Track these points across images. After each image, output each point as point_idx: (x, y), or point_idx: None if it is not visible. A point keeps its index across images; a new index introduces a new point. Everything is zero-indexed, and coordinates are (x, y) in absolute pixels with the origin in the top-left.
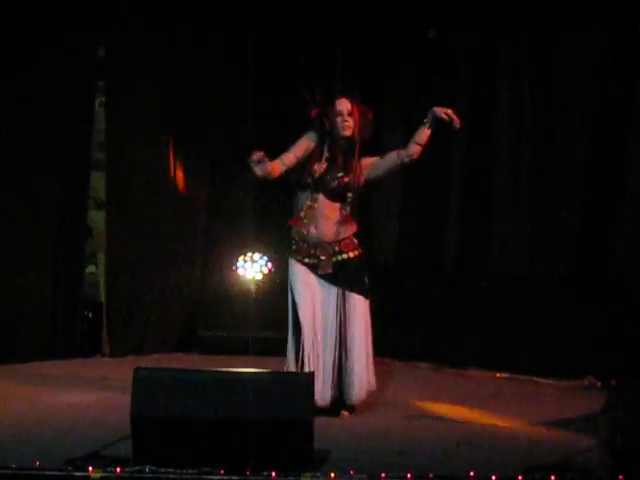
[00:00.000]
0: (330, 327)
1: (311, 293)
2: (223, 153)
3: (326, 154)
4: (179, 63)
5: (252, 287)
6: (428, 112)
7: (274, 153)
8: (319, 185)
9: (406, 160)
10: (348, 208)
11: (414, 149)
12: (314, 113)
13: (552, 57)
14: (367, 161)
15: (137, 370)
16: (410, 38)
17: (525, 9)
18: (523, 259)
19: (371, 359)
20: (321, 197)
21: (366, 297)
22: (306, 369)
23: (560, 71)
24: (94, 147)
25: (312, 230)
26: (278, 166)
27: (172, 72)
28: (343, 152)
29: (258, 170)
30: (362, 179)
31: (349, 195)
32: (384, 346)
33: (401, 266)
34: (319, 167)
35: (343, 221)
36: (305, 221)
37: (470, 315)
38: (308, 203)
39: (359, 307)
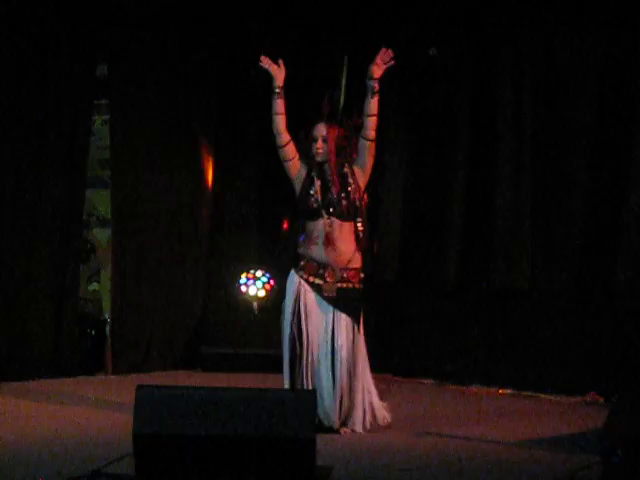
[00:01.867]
0: (337, 351)
1: (317, 315)
2: (227, 168)
3: (315, 178)
4: (182, 78)
5: (255, 304)
6: (366, 82)
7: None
8: (328, 209)
9: (371, 135)
10: (360, 229)
11: (371, 122)
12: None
13: (553, 69)
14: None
15: (139, 388)
16: (411, 51)
17: (524, 19)
18: (525, 275)
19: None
20: (335, 220)
21: (359, 327)
22: (306, 384)
23: (561, 84)
24: (96, 165)
25: (325, 251)
26: (283, 125)
27: (177, 88)
28: (328, 179)
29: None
30: (363, 192)
31: (357, 218)
32: (386, 363)
33: (403, 282)
34: (315, 194)
35: (356, 249)
36: (319, 242)
37: (473, 331)
38: (319, 227)
39: (359, 337)
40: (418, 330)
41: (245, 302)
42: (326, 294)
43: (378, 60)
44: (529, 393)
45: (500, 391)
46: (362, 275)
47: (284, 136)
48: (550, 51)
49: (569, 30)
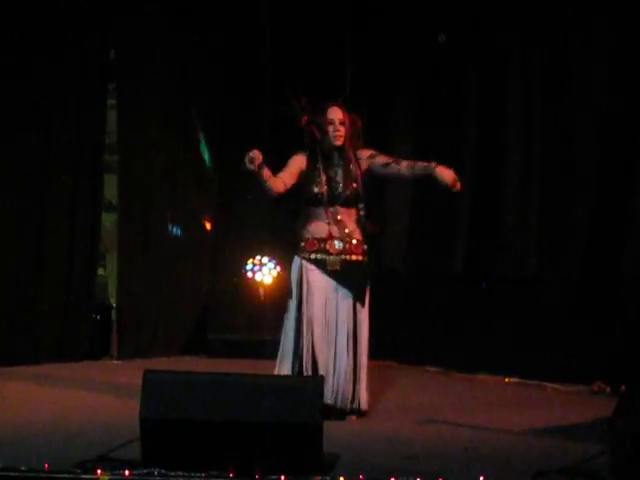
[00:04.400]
0: (341, 328)
1: (322, 295)
2: (232, 155)
3: (321, 169)
4: (191, 65)
5: (261, 290)
6: (432, 167)
7: (283, 161)
8: (334, 200)
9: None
10: (361, 214)
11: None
12: (304, 120)
13: (563, 56)
14: (366, 154)
15: (146, 372)
16: (420, 45)
17: (535, 19)
18: (532, 263)
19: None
20: (339, 209)
21: (366, 306)
22: (313, 367)
23: (571, 71)
24: (103, 150)
25: (327, 227)
26: (280, 184)
27: (184, 74)
28: (340, 164)
29: (251, 166)
30: (362, 179)
31: (360, 203)
32: (393, 350)
33: (410, 271)
34: (322, 186)
35: (358, 228)
36: (321, 221)
37: (479, 319)
38: (329, 215)
39: (364, 314)
40: (423, 316)
41: (251, 288)
42: (330, 267)
43: (448, 175)
44: (535, 382)
45: (506, 379)
46: (365, 247)
47: (285, 189)
48: (561, 38)
49: (579, 16)
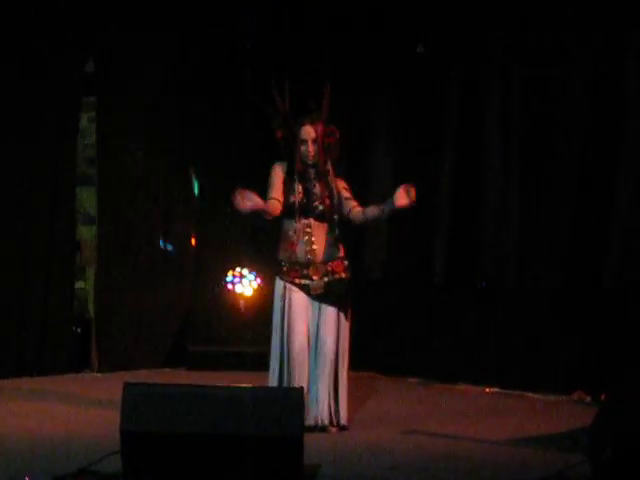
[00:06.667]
0: (321, 345)
1: (303, 314)
2: (214, 167)
3: (298, 182)
4: (171, 77)
5: (241, 302)
6: (388, 200)
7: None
8: (308, 212)
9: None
10: (336, 230)
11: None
12: (279, 135)
13: (542, 66)
14: (340, 185)
15: (127, 385)
16: (397, 57)
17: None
18: (512, 272)
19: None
20: (312, 221)
21: (347, 320)
22: (294, 382)
23: (550, 79)
24: (83, 163)
25: (304, 252)
26: (276, 205)
27: (164, 87)
28: (315, 177)
29: (248, 204)
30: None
31: (335, 217)
32: (372, 361)
33: (389, 279)
34: (298, 196)
35: (334, 242)
36: (299, 244)
37: (459, 329)
38: (298, 227)
39: (345, 329)
40: (404, 327)
41: (231, 300)
42: (314, 292)
43: (402, 195)
44: (516, 392)
45: (487, 389)
46: (347, 263)
47: (282, 206)
48: (540, 48)
49: (561, 27)
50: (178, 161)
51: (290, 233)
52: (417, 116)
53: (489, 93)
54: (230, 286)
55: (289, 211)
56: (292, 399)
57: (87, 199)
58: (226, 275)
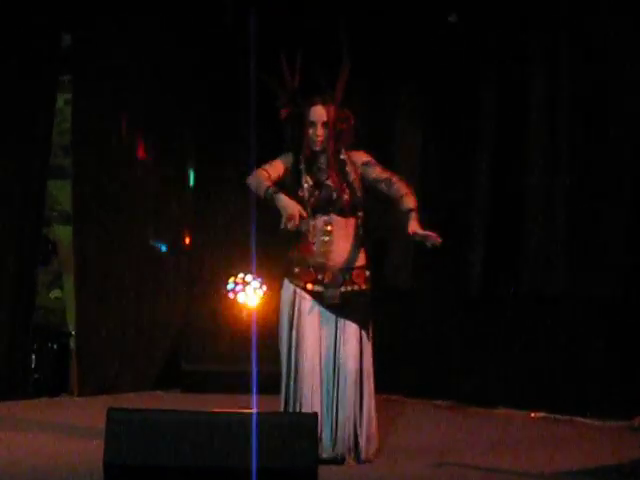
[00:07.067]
0: (341, 366)
1: (316, 328)
2: (209, 155)
3: (305, 173)
4: (158, 54)
5: (244, 314)
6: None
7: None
8: (326, 207)
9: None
10: (361, 230)
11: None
12: (283, 115)
13: (596, 43)
14: (360, 159)
15: (110, 411)
16: (426, 33)
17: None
18: (561, 278)
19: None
20: (334, 218)
21: (370, 338)
22: (304, 407)
23: (606, 65)
24: (58, 152)
25: (321, 253)
26: (261, 173)
27: (150, 65)
28: (328, 166)
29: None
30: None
31: (359, 213)
32: (397, 382)
33: (418, 290)
34: (307, 188)
35: (357, 246)
36: (315, 244)
37: (498, 345)
38: (317, 225)
39: (368, 347)
40: (434, 343)
41: (233, 311)
42: (328, 302)
43: (427, 237)
44: (565, 417)
45: (532, 414)
46: (368, 273)
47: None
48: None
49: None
50: (168, 149)
51: (308, 232)
52: (448, 106)
53: (533, 76)
54: (231, 295)
55: (310, 207)
56: (304, 426)
57: (64, 194)
58: (227, 282)
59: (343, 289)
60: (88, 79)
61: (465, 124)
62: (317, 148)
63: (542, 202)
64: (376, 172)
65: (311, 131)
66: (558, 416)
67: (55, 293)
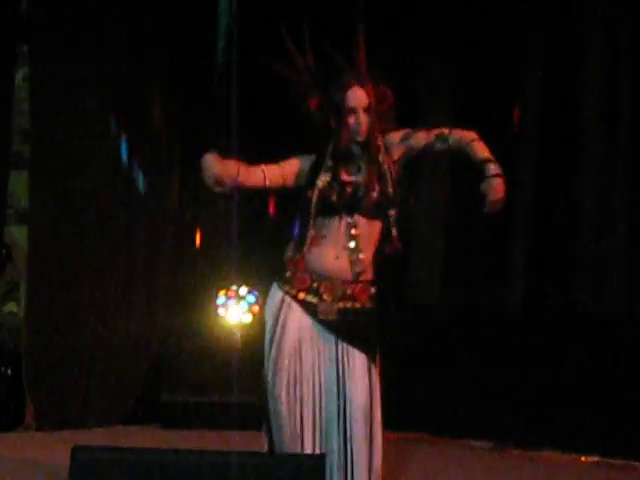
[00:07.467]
0: (349, 400)
1: (297, 345)
2: (196, 143)
3: (333, 166)
4: (132, 23)
5: (237, 334)
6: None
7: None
8: (355, 204)
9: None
10: (394, 229)
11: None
12: (313, 105)
13: None
14: (396, 137)
15: (75, 450)
16: None
17: None
18: (618, 296)
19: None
20: (359, 220)
21: (375, 364)
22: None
23: None
24: (15, 137)
25: (329, 257)
26: (254, 173)
27: (123, 34)
28: (363, 159)
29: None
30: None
31: (391, 213)
32: (420, 418)
33: (444, 306)
34: (321, 185)
35: (374, 255)
36: (325, 245)
37: (543, 375)
38: (344, 229)
39: (375, 376)
40: (465, 371)
41: (223, 331)
42: (322, 317)
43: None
44: (623, 461)
45: (582, 458)
46: (373, 290)
47: (254, 182)
48: None
49: None
50: (146, 132)
51: (322, 232)
52: (487, 93)
53: (588, 55)
54: (221, 311)
55: (327, 208)
56: (308, 470)
57: (20, 187)
58: (216, 296)
59: (341, 304)
60: (48, 50)
61: (506, 116)
62: (361, 138)
63: (596, 205)
64: (423, 136)
65: (352, 120)
66: (613, 460)
67: (10, 307)
